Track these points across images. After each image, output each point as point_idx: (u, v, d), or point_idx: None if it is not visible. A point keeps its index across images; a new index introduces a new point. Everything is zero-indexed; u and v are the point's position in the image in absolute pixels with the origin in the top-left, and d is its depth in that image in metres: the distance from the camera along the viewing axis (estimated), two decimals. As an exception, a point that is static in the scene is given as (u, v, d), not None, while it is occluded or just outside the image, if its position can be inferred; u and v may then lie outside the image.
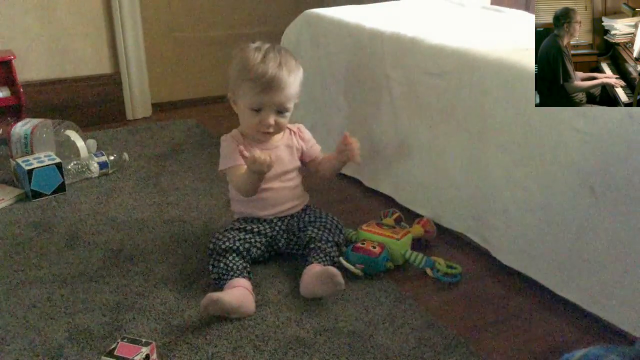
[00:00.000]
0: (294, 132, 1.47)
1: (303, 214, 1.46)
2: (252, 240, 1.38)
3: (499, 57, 1.37)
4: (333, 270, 1.27)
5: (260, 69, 1.32)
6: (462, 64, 1.44)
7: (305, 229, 1.41)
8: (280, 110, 1.37)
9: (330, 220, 1.43)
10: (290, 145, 1.45)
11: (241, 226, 1.41)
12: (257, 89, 1.33)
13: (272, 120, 1.36)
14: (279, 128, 1.39)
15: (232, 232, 1.37)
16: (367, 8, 1.98)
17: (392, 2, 2.09)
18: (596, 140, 1.16)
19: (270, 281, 1.36)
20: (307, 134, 1.49)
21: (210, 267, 1.32)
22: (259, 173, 1.30)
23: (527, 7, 2.17)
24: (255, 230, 1.41)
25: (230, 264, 1.30)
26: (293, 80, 1.36)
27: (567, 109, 1.19)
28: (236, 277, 1.28)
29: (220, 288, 1.28)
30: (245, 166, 1.33)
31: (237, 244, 1.34)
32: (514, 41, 1.51)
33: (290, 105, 1.38)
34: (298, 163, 1.47)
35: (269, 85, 1.32)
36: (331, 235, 1.40)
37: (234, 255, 1.32)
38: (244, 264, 1.32)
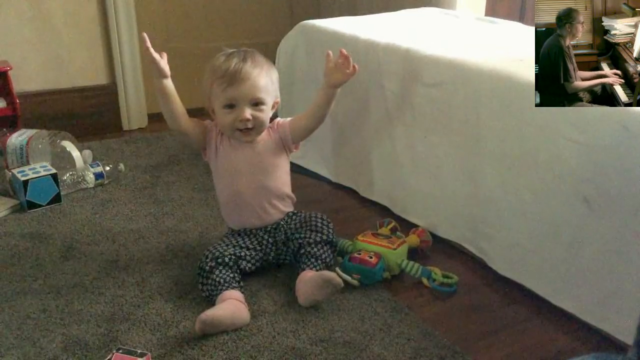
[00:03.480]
0: (271, 128, 1.42)
1: (290, 221, 1.44)
2: (242, 253, 1.37)
3: (493, 67, 1.38)
4: (327, 274, 1.26)
5: (224, 66, 1.34)
6: (457, 74, 1.45)
7: (293, 236, 1.41)
8: (255, 103, 1.34)
9: (315, 219, 1.41)
10: (270, 143, 1.41)
11: (229, 241, 1.40)
12: (224, 84, 1.33)
13: (247, 114, 1.33)
14: (258, 123, 1.36)
15: (219, 248, 1.36)
16: (362, 19, 2.00)
17: (387, 13, 2.10)
18: (590, 150, 1.17)
19: (266, 291, 1.36)
20: (276, 122, 1.44)
21: (200, 286, 1.31)
22: (153, 67, 1.33)
23: (521, 19, 2.19)
24: (243, 245, 1.40)
25: (218, 278, 1.29)
26: (258, 73, 1.34)
27: (562, 120, 1.20)
28: (225, 289, 1.27)
29: (212, 304, 1.27)
30: (196, 121, 1.41)
31: (225, 259, 1.32)
32: (508, 52, 1.52)
33: (263, 97, 1.34)
34: (282, 161, 1.44)
35: (234, 77, 1.32)
36: (319, 235, 1.38)
37: (221, 268, 1.31)
38: (232, 275, 1.31)
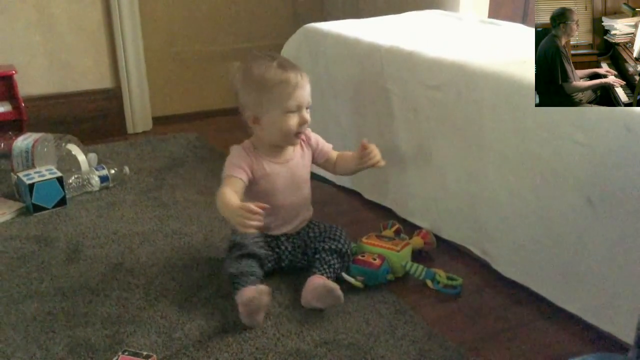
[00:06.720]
0: (303, 141, 1.46)
1: (308, 230, 1.46)
2: (265, 253, 1.39)
3: (496, 69, 1.38)
4: (330, 285, 1.28)
5: (284, 75, 1.34)
6: (460, 76, 1.45)
7: (312, 244, 1.42)
8: (307, 107, 1.39)
9: (334, 229, 1.44)
10: (302, 155, 1.45)
11: (257, 239, 1.41)
12: (289, 90, 1.34)
13: (308, 116, 1.38)
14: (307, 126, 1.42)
15: (254, 239, 1.37)
16: (365, 22, 2.00)
17: (391, 16, 2.11)
18: (594, 152, 1.17)
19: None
20: (313, 136, 1.49)
21: (229, 261, 1.33)
22: (235, 223, 1.24)
23: (524, 20, 2.20)
24: (266, 246, 1.41)
25: (252, 269, 1.31)
26: (307, 78, 1.39)
27: (565, 121, 1.21)
28: (251, 284, 1.28)
29: (234, 286, 1.29)
30: (240, 180, 1.35)
31: (261, 250, 1.36)
32: (511, 54, 1.53)
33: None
34: (309, 174, 1.48)
35: (297, 84, 1.35)
36: (335, 243, 1.40)
37: (255, 260, 1.33)
38: (261, 272, 1.34)
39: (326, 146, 1.50)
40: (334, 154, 1.51)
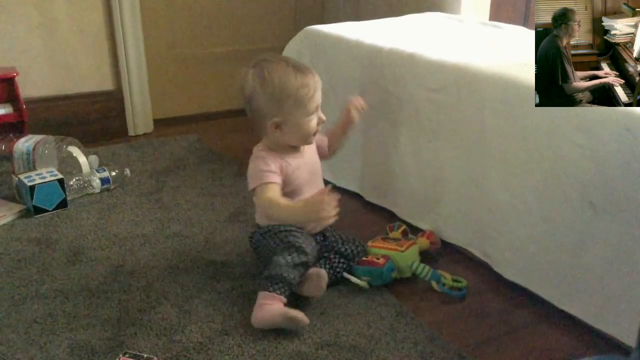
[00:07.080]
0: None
1: (330, 236, 1.45)
2: (314, 260, 1.38)
3: (497, 72, 1.38)
4: (322, 272, 1.31)
5: (304, 80, 1.36)
6: (461, 79, 1.45)
7: (339, 250, 1.43)
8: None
9: (351, 240, 1.46)
10: (313, 148, 1.49)
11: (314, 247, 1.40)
12: (310, 94, 1.35)
13: (323, 115, 1.41)
14: None
15: (311, 246, 1.35)
16: (366, 24, 2.00)
17: (391, 18, 2.11)
18: (595, 154, 1.17)
19: (272, 296, 1.36)
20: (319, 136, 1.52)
21: (287, 265, 1.26)
22: (317, 219, 1.30)
23: (525, 23, 2.20)
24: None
25: (296, 282, 1.29)
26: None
27: (565, 124, 1.21)
28: (287, 298, 1.27)
29: (273, 287, 1.26)
30: (278, 184, 1.35)
31: (314, 259, 1.35)
32: (512, 56, 1.53)
33: None
34: (320, 161, 1.51)
35: (316, 86, 1.37)
36: (342, 246, 1.43)
37: (302, 270, 1.30)
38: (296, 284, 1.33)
39: (322, 138, 1.54)
40: (327, 140, 1.56)
